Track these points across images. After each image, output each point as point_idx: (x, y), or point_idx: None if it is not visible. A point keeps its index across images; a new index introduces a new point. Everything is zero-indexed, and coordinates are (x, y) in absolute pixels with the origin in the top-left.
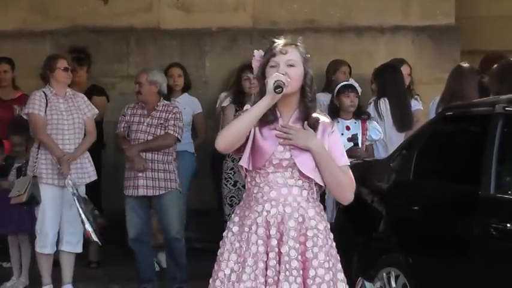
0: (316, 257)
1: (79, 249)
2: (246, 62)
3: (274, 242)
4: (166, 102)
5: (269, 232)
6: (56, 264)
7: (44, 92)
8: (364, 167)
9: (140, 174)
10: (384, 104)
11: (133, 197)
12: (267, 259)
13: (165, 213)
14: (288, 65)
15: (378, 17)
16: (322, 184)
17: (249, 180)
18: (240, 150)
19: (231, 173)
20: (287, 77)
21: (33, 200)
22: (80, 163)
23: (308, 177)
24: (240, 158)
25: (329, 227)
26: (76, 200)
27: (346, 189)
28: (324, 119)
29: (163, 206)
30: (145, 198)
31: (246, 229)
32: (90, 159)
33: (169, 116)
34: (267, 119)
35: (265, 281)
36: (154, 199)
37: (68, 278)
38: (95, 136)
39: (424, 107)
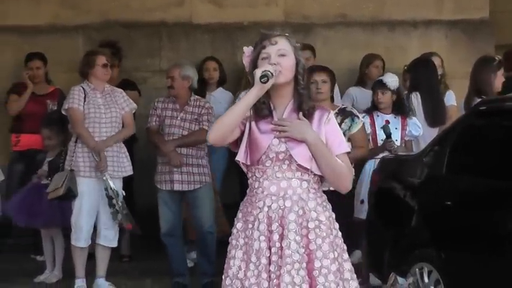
0: (320, 248)
1: (115, 244)
2: None
3: (275, 237)
4: (197, 97)
5: (271, 227)
6: (90, 257)
7: (82, 87)
8: (396, 162)
9: (175, 169)
10: (416, 99)
11: (166, 191)
12: (270, 254)
13: (198, 207)
14: (279, 55)
15: (411, 11)
16: (320, 173)
17: (249, 175)
18: (237, 144)
19: None
20: (279, 67)
21: (70, 194)
22: (116, 157)
23: (306, 168)
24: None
25: (333, 217)
26: (111, 195)
27: (343, 179)
28: (323, 107)
29: (197, 200)
30: (178, 193)
31: (250, 225)
32: (127, 153)
33: (203, 111)
34: (262, 113)
35: (269, 276)
36: (188, 193)
37: (102, 271)
38: (132, 130)
39: (456, 102)
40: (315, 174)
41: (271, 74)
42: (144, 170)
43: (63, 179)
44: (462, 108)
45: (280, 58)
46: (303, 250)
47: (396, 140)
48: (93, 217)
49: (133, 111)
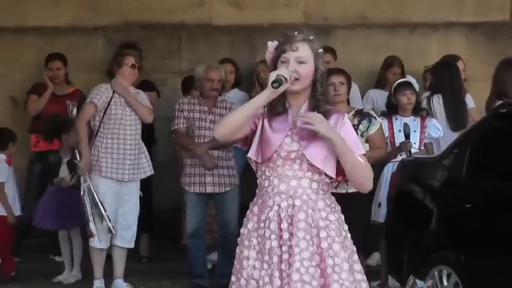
0: (331, 247)
1: (132, 245)
2: None
3: (286, 236)
4: (221, 97)
5: (281, 226)
6: (108, 258)
7: (110, 86)
8: (416, 164)
9: (207, 171)
10: (438, 101)
11: (195, 193)
12: (281, 253)
13: (227, 209)
14: (298, 62)
15: (430, 13)
16: (332, 175)
17: (259, 174)
18: (246, 142)
19: None
20: (295, 75)
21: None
22: (136, 158)
23: (317, 169)
24: (247, 151)
25: (342, 218)
26: (86, 198)
27: (365, 178)
28: (337, 110)
29: (227, 202)
30: (207, 195)
31: (262, 224)
32: (147, 154)
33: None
34: (276, 110)
35: (281, 275)
36: (217, 195)
37: (120, 272)
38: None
39: (476, 104)
40: (325, 175)
41: (285, 79)
42: (163, 172)
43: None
44: (484, 110)
45: (299, 66)
46: (315, 249)
47: (415, 143)
48: (113, 218)
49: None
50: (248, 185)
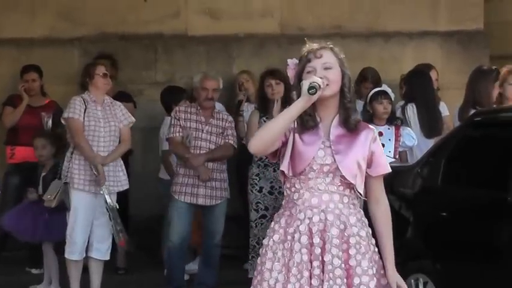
0: (359, 264)
1: (107, 257)
2: (268, 68)
3: (318, 251)
4: (218, 109)
5: (312, 240)
6: (85, 270)
7: (83, 97)
8: (391, 173)
9: (201, 183)
10: (412, 110)
11: (185, 203)
12: (311, 268)
13: (215, 221)
14: (325, 68)
15: (405, 22)
16: (361, 192)
17: (288, 186)
18: (276, 155)
19: (256, 179)
20: (325, 81)
21: (62, 207)
22: (112, 171)
23: (349, 183)
24: (275, 162)
25: (370, 232)
26: (109, 210)
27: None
28: (366, 124)
29: (215, 214)
30: (197, 206)
31: (289, 237)
32: (124, 167)
33: (227, 125)
34: (308, 124)
35: None
36: (207, 207)
37: (96, 284)
38: (128, 145)
39: (451, 113)
40: (355, 191)
41: (319, 85)
42: (139, 183)
43: (57, 190)
44: (456, 119)
45: (326, 72)
46: (343, 265)
47: (390, 152)
48: (88, 230)
49: (131, 125)
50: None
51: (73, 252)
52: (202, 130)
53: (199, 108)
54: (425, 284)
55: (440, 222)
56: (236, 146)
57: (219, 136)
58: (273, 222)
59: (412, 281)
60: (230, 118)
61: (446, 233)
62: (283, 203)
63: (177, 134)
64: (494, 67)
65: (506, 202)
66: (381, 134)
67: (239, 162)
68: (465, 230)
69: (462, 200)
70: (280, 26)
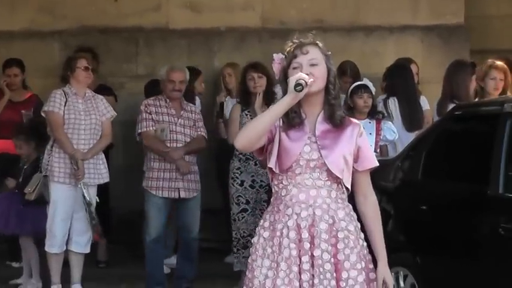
0: (348, 258)
1: (87, 250)
2: (250, 62)
3: (307, 246)
4: (185, 101)
5: (301, 236)
6: (66, 263)
7: (64, 91)
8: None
9: (179, 176)
10: (393, 104)
11: (162, 198)
12: (300, 263)
13: (190, 214)
14: (311, 65)
15: (386, 16)
16: (348, 186)
17: (275, 183)
18: (262, 151)
19: (237, 173)
20: (311, 77)
21: (41, 200)
22: (93, 163)
23: (337, 178)
24: (262, 160)
25: (359, 226)
26: (85, 204)
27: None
28: (352, 119)
29: (191, 207)
30: (172, 200)
31: (278, 233)
32: (105, 160)
33: (196, 117)
34: (293, 121)
35: (300, 285)
36: (184, 200)
37: (77, 277)
38: (110, 139)
39: (431, 107)
40: (343, 185)
41: (306, 82)
42: (120, 176)
43: (37, 183)
44: (435, 112)
45: (312, 68)
46: (332, 259)
47: (371, 146)
48: (68, 223)
49: (112, 119)
50: (202, 190)
51: (53, 245)
52: (176, 123)
53: (168, 100)
54: (405, 277)
55: (420, 215)
56: (207, 138)
57: (192, 128)
58: (262, 220)
59: (392, 274)
60: (198, 110)
61: (426, 227)
62: (271, 200)
63: (150, 128)
64: (471, 61)
65: (486, 196)
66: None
67: (218, 156)
68: (445, 224)
69: (442, 193)
70: (262, 20)
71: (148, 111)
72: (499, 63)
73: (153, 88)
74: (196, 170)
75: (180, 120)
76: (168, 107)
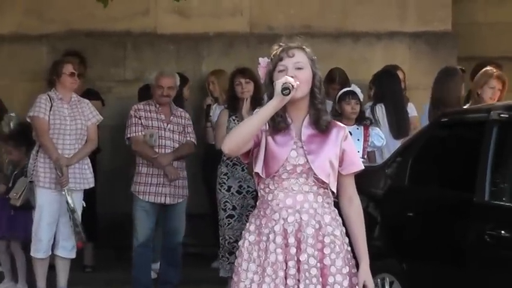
0: (333, 263)
1: (73, 255)
2: (238, 67)
3: (293, 251)
4: (175, 107)
5: (287, 241)
6: (52, 268)
7: (49, 95)
8: (359, 173)
9: (166, 182)
10: (381, 110)
11: (150, 203)
12: (286, 268)
13: (176, 219)
14: (296, 68)
15: (374, 23)
16: (334, 191)
17: (262, 187)
18: (248, 155)
19: (224, 178)
20: (296, 80)
21: (27, 205)
22: (79, 168)
23: (323, 182)
24: (248, 164)
25: (344, 231)
26: (69, 211)
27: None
28: (337, 122)
29: (178, 212)
30: (160, 205)
31: (264, 238)
32: (90, 165)
33: (186, 123)
34: (279, 126)
35: None
36: (170, 205)
37: (63, 282)
38: (95, 143)
39: (419, 113)
40: (329, 189)
41: (292, 86)
42: (107, 181)
43: (23, 188)
44: (423, 118)
45: (297, 71)
46: (318, 264)
47: (358, 152)
48: (53, 228)
49: (98, 123)
50: (189, 195)
51: (38, 250)
52: (165, 128)
53: (158, 106)
54: (391, 283)
55: (406, 222)
56: (196, 143)
57: (181, 134)
58: (248, 223)
59: (379, 280)
60: (187, 115)
61: (413, 233)
62: (257, 203)
63: (140, 133)
64: (460, 67)
65: (472, 203)
66: (349, 134)
67: (205, 161)
68: (431, 230)
69: (428, 200)
70: (250, 25)
71: (138, 116)
72: (500, 73)
73: (147, 92)
74: (185, 176)
75: (169, 125)
76: (158, 112)
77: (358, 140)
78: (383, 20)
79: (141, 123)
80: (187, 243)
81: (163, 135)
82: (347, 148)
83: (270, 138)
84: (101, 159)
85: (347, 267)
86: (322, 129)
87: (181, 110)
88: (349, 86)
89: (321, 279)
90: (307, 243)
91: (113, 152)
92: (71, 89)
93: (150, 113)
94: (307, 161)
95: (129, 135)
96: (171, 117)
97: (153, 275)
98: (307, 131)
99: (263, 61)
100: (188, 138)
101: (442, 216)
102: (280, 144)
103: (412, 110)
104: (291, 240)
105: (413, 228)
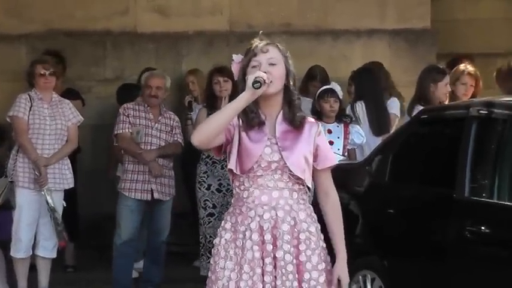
0: (309, 259)
1: (54, 255)
2: (216, 66)
3: (269, 247)
4: (164, 107)
5: (263, 237)
6: (33, 268)
7: (29, 95)
8: (340, 170)
9: (152, 178)
10: (361, 108)
11: (135, 200)
12: (263, 265)
13: (162, 218)
14: (270, 64)
15: (354, 21)
16: (309, 186)
17: (237, 184)
18: (220, 150)
19: (204, 177)
20: (269, 75)
21: (7, 205)
22: (58, 169)
23: (298, 178)
24: (222, 160)
25: (319, 228)
26: (50, 210)
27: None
28: (309, 118)
29: (163, 211)
30: (145, 202)
31: (240, 235)
32: (70, 166)
33: (174, 124)
34: (253, 122)
35: (263, 287)
36: (156, 203)
37: (44, 282)
38: (75, 144)
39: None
40: (304, 185)
41: (264, 80)
42: (87, 180)
43: (2, 189)
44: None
45: (271, 67)
46: (294, 261)
47: (338, 149)
48: (33, 228)
49: (79, 124)
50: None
51: (18, 250)
52: (152, 127)
53: (147, 106)
54: (372, 280)
55: (387, 219)
56: (183, 144)
57: (169, 134)
58: (223, 221)
59: (360, 277)
60: (176, 117)
61: (394, 230)
62: (232, 201)
63: (127, 130)
64: (442, 66)
65: (452, 199)
66: (329, 131)
67: (185, 160)
68: (412, 227)
69: (409, 197)
70: (229, 23)
71: (126, 114)
72: (472, 69)
73: (125, 92)
74: (172, 175)
75: (157, 125)
76: (147, 112)
77: (338, 137)
78: (362, 17)
79: (129, 121)
80: (169, 242)
81: (150, 133)
82: (320, 143)
83: (244, 135)
84: (81, 159)
85: (323, 264)
86: (296, 125)
87: (171, 112)
88: (329, 84)
89: (297, 275)
90: (283, 240)
91: (93, 152)
92: (46, 89)
93: (139, 112)
94: (282, 157)
95: (116, 132)
96: (160, 118)
97: (135, 274)
98: (280, 127)
99: (237, 58)
100: (175, 138)
101: (422, 212)
102: (254, 140)
103: (394, 106)
104: (267, 237)
105: (394, 225)
